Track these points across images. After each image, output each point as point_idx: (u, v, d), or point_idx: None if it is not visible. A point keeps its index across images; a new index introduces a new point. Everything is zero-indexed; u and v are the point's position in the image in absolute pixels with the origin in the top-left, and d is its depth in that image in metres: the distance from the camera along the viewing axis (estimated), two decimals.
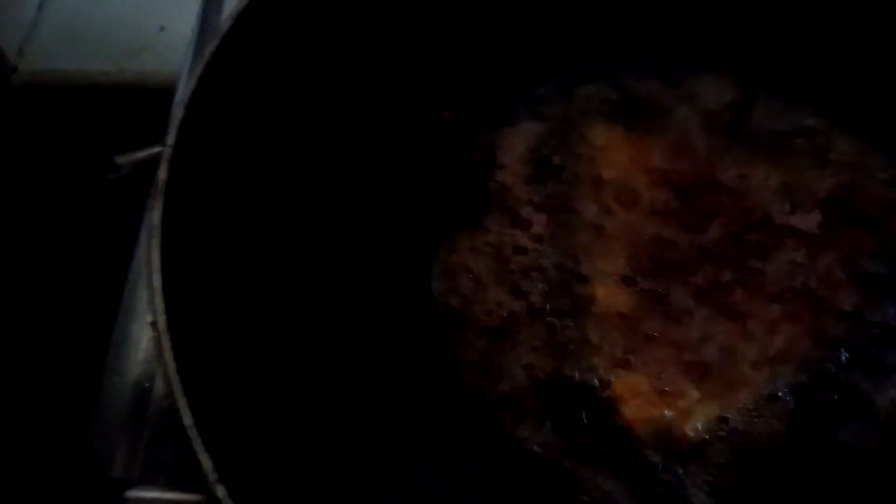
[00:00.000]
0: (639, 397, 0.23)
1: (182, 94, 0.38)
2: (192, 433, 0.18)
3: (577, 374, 0.24)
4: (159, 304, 0.19)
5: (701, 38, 0.31)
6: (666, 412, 0.23)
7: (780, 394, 0.24)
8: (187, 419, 0.18)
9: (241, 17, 0.24)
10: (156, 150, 0.22)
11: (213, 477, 0.17)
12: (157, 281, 0.20)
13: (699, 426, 0.24)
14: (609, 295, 0.25)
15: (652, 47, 0.31)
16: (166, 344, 0.19)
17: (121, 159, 0.23)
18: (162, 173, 0.21)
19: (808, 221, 0.27)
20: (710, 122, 0.30)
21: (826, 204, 0.28)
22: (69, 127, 0.61)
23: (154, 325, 0.19)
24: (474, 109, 0.30)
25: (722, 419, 0.24)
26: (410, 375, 0.23)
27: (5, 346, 0.31)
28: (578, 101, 0.31)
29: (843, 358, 0.25)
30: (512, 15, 0.30)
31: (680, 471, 0.23)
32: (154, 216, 0.21)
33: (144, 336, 0.30)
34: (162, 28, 0.64)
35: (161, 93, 0.62)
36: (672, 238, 0.27)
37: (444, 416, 0.24)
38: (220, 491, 0.17)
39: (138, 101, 0.62)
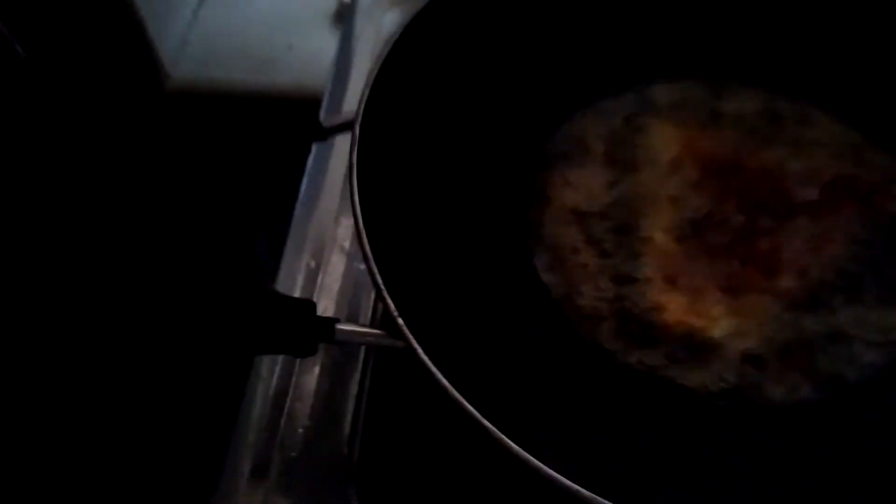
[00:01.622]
0: (678, 308, 0.33)
1: (333, 88, 0.49)
2: (382, 287, 0.28)
3: (631, 290, 0.33)
4: (358, 212, 0.30)
5: (740, 60, 0.41)
6: (696, 320, 0.32)
7: (786, 320, 0.33)
8: (379, 280, 0.28)
9: (406, 30, 0.35)
10: (349, 117, 0.33)
11: (395, 313, 0.27)
12: (356, 197, 0.30)
13: (722, 333, 0.32)
14: (661, 238, 0.35)
15: (702, 66, 0.41)
16: (364, 239, 0.29)
17: (325, 122, 0.34)
18: (355, 133, 0.32)
19: (812, 195, 0.36)
20: (744, 122, 0.39)
21: (828, 183, 0.37)
22: (212, 126, 0.72)
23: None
24: (566, 106, 0.40)
25: (738, 329, 0.33)
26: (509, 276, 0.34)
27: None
28: (645, 104, 0.40)
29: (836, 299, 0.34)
30: (598, 51, 0.41)
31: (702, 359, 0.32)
32: (353, 157, 0.31)
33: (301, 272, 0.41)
34: (290, 46, 0.76)
35: (287, 101, 0.74)
36: (709, 203, 0.36)
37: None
38: (400, 322, 0.27)
39: (268, 107, 0.73)
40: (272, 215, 0.44)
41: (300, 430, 0.37)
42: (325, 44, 0.67)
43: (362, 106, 0.32)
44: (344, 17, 0.58)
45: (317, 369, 0.38)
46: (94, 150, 0.68)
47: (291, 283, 0.41)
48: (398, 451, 0.36)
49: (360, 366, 0.37)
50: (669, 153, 0.38)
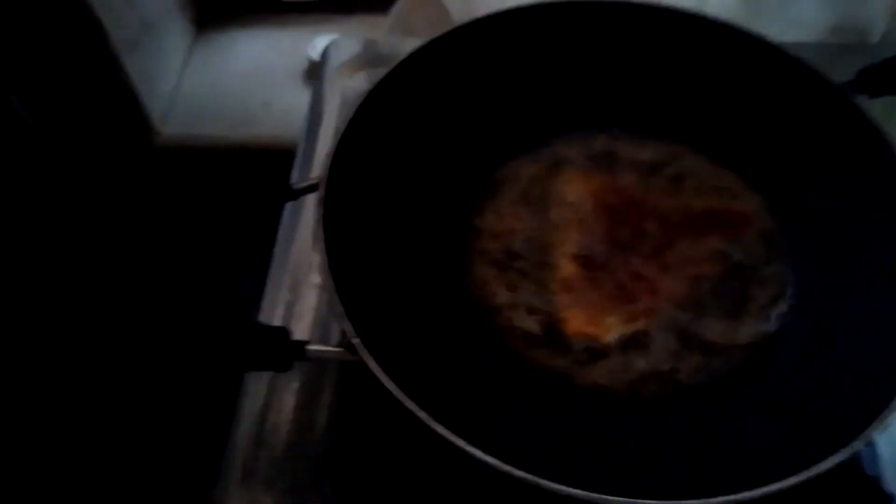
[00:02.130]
0: (577, 320, 0.41)
1: (305, 147, 0.58)
2: (345, 317, 0.36)
3: (543, 306, 0.42)
4: (324, 258, 0.38)
5: (637, 114, 0.50)
6: (592, 330, 0.41)
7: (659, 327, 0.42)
8: (338, 309, 0.36)
9: (356, 113, 0.44)
10: (315, 180, 0.41)
11: (352, 334, 0.35)
12: (320, 246, 0.38)
13: (613, 339, 0.41)
14: (566, 264, 0.44)
15: (611, 121, 0.51)
16: (328, 278, 0.37)
17: (296, 185, 0.42)
18: (321, 192, 0.41)
19: (688, 225, 0.45)
20: (637, 167, 0.48)
21: (702, 214, 0.46)
22: (199, 174, 0.81)
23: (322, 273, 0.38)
24: (495, 157, 0.49)
25: (627, 337, 0.41)
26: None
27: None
28: (557, 154, 0.49)
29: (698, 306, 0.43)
30: (519, 112, 0.50)
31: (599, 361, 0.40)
32: (319, 212, 0.39)
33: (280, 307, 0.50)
34: (266, 104, 0.85)
35: (266, 152, 0.83)
36: (606, 234, 0.45)
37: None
38: (356, 341, 0.35)
39: (249, 159, 0.82)
40: (255, 256, 0.52)
41: (282, 436, 0.45)
42: (299, 99, 0.75)
43: (326, 175, 0.41)
44: (313, 80, 0.67)
45: (295, 385, 0.46)
46: (94, 200, 0.76)
47: (272, 312, 0.49)
48: (365, 451, 0.44)
49: (331, 383, 0.46)
50: (575, 195, 0.47)
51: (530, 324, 0.42)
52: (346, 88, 0.64)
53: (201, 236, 0.65)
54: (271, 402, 0.46)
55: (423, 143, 0.48)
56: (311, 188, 0.42)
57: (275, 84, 0.88)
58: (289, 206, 0.54)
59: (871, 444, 0.43)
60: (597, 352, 0.41)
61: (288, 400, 0.46)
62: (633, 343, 0.41)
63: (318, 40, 0.84)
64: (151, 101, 0.84)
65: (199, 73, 0.88)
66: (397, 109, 0.46)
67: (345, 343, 0.36)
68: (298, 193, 0.42)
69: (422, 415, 0.33)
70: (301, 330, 0.48)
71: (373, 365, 0.35)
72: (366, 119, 0.44)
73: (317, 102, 0.62)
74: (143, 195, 0.78)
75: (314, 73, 0.81)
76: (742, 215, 0.46)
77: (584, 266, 0.44)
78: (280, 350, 0.37)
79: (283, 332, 0.38)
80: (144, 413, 0.48)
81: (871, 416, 0.35)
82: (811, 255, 0.44)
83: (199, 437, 0.48)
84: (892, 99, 0.46)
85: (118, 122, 0.81)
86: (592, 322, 0.41)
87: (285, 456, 0.44)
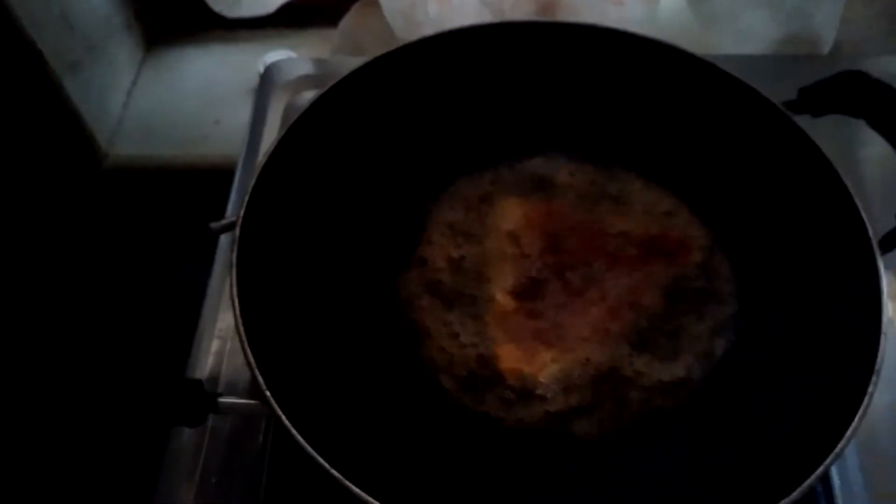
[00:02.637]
0: (511, 357, 0.40)
1: (241, 175, 0.56)
2: (255, 369, 0.34)
3: (476, 342, 0.40)
4: (236, 301, 0.36)
5: (574, 137, 0.49)
6: (526, 367, 0.40)
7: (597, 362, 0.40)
8: (249, 360, 0.35)
9: (288, 131, 0.42)
10: (233, 218, 0.40)
11: (263, 386, 0.34)
12: (234, 290, 0.37)
13: (547, 377, 0.40)
14: (502, 298, 0.42)
15: (549, 144, 0.49)
16: (240, 324, 0.36)
17: (213, 225, 0.40)
18: (237, 231, 0.39)
19: (630, 252, 0.44)
20: (575, 192, 0.47)
21: (642, 242, 0.44)
22: (149, 197, 0.78)
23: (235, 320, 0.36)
24: (429, 186, 0.48)
25: (561, 375, 0.40)
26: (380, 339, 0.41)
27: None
28: (494, 180, 0.48)
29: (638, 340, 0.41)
30: (454, 139, 0.48)
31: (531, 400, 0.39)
32: (233, 256, 0.38)
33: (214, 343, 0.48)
34: (217, 122, 0.82)
35: (216, 172, 0.81)
36: (542, 265, 0.43)
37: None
38: (269, 394, 0.34)
39: (199, 178, 0.80)
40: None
41: (213, 477, 0.43)
42: (249, 117, 0.73)
43: (242, 215, 0.39)
44: (254, 99, 0.65)
45: (227, 426, 0.44)
46: (40, 226, 0.74)
47: (206, 357, 0.47)
48: (298, 493, 0.42)
49: (263, 425, 0.44)
50: (510, 223, 0.45)
51: (462, 361, 0.40)
52: (288, 110, 0.63)
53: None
54: (203, 443, 0.44)
55: (353, 175, 0.46)
56: (229, 226, 0.40)
57: (226, 101, 0.85)
58: (220, 245, 0.52)
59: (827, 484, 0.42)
60: (530, 390, 0.39)
61: (220, 440, 0.44)
62: (568, 381, 0.40)
63: (269, 56, 0.82)
64: (98, 123, 0.81)
65: (148, 92, 0.86)
66: (322, 139, 0.45)
67: (259, 394, 0.35)
68: (217, 233, 0.41)
69: (334, 473, 0.32)
70: (231, 373, 0.46)
71: (284, 420, 0.33)
72: (288, 152, 0.43)
73: (256, 125, 0.60)
74: (91, 219, 0.76)
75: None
76: (683, 242, 0.44)
77: (519, 300, 0.42)
78: (193, 404, 0.35)
79: (196, 384, 0.36)
80: (68, 454, 0.47)
81: (823, 452, 0.34)
82: (753, 282, 0.43)
83: (128, 481, 0.46)
84: (836, 117, 0.45)
85: (62, 145, 0.78)
86: (527, 359, 0.40)
87: (218, 498, 0.43)
